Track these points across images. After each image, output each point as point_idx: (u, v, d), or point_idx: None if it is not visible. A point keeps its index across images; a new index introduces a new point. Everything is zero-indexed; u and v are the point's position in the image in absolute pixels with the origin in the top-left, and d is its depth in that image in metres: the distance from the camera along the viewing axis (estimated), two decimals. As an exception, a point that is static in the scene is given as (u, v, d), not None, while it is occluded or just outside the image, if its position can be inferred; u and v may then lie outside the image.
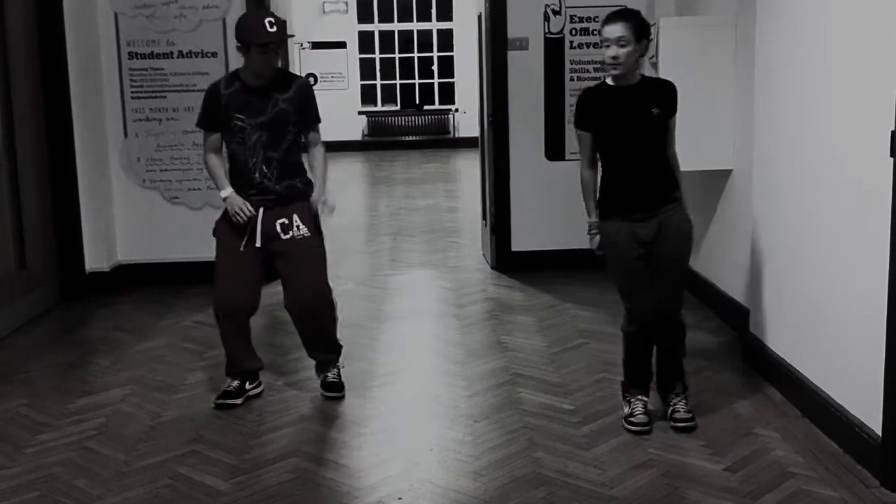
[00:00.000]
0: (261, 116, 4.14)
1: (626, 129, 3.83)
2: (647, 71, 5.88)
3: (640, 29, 3.77)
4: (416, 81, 17.86)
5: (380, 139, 17.08)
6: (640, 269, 3.89)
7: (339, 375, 4.49)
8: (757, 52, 4.60)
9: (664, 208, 3.88)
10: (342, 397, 4.41)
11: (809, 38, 4.00)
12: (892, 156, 3.28)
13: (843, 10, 3.70)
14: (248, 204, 4.16)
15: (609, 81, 3.88)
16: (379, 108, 17.68)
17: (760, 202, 4.59)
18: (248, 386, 4.43)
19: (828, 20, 3.82)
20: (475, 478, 3.59)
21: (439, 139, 17.16)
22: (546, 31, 6.66)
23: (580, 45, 6.67)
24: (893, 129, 3.26)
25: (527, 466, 3.65)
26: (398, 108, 17.70)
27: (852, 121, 3.63)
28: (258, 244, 4.22)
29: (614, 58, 3.73)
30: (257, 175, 4.19)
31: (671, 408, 4.00)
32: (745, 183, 5.03)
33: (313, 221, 4.30)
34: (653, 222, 3.86)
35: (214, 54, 6.56)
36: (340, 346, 4.56)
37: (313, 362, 4.54)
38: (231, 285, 4.29)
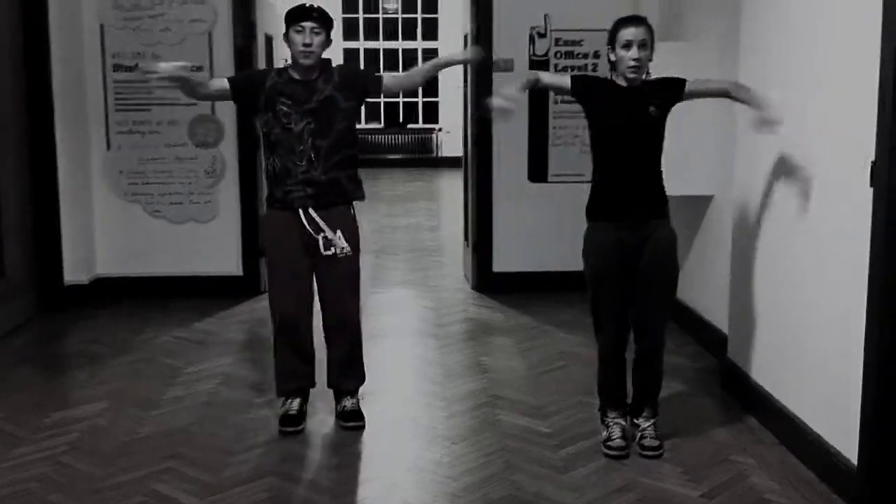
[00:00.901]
0: (307, 104, 4.01)
1: (627, 129, 3.77)
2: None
3: (653, 33, 3.76)
4: (401, 100, 17.90)
5: (363, 157, 17.01)
6: (621, 282, 3.83)
7: (358, 404, 4.34)
8: (739, 77, 4.64)
9: (653, 221, 3.84)
10: (363, 427, 4.26)
11: (790, 64, 4.05)
12: (871, 185, 3.32)
13: (824, 38, 3.74)
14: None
15: (619, 81, 3.79)
16: (363, 125, 17.71)
17: (740, 229, 4.63)
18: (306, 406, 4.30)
19: (809, 48, 3.87)
20: (452, 499, 3.58)
21: (422, 158, 17.20)
22: (531, 52, 6.70)
23: (565, 68, 6.71)
24: (873, 158, 3.30)
25: (504, 489, 3.65)
26: (382, 126, 17.74)
27: (832, 149, 3.67)
28: (324, 251, 4.07)
29: (637, 60, 3.67)
30: (304, 163, 4.02)
31: (640, 433, 4.00)
32: (725, 209, 5.07)
33: (357, 234, 4.20)
34: (641, 233, 3.80)
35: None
36: (365, 375, 4.43)
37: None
38: (288, 297, 4.16)
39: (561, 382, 4.87)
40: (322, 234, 4.07)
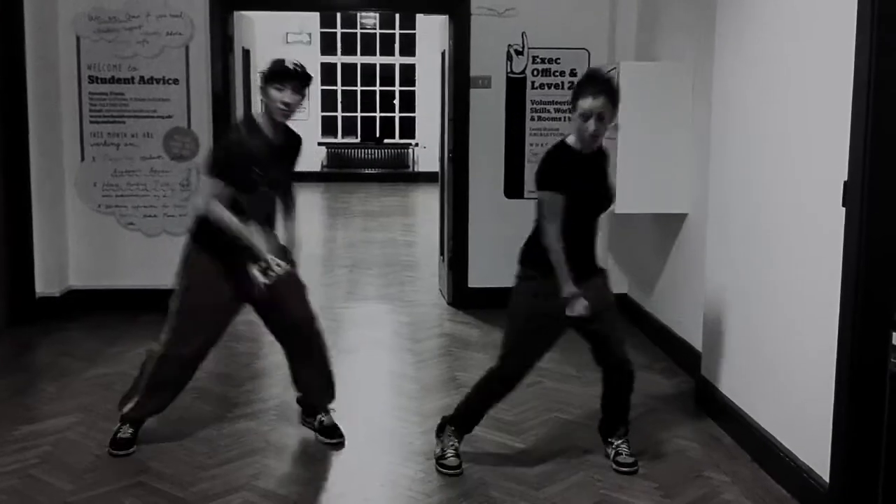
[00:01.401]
0: (277, 174, 4.03)
1: (597, 195, 3.78)
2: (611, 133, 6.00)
3: (616, 97, 3.66)
4: (377, 115, 17.92)
5: (339, 171, 17.10)
6: (558, 334, 3.89)
7: (332, 418, 4.32)
8: (713, 97, 4.69)
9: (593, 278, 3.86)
10: (341, 442, 4.24)
11: (765, 84, 4.09)
12: (843, 205, 3.36)
13: (797, 59, 3.79)
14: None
15: (572, 144, 3.72)
16: (339, 139, 17.70)
17: (714, 247, 4.66)
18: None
19: (783, 68, 3.92)
20: (426, 515, 3.57)
21: (398, 173, 17.22)
22: (508, 70, 6.74)
23: (541, 86, 6.76)
24: (846, 179, 3.34)
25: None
26: (358, 140, 17.74)
27: (805, 169, 3.71)
28: (265, 284, 3.95)
29: (594, 132, 3.60)
30: (265, 228, 4.05)
31: (614, 450, 4.01)
32: (699, 227, 5.11)
33: (285, 256, 4.10)
34: (589, 283, 3.79)
35: (176, 81, 6.54)
36: (334, 392, 4.38)
37: (266, 394, 4.48)
38: (203, 338, 4.15)
39: (535, 399, 4.87)
40: (255, 266, 3.95)
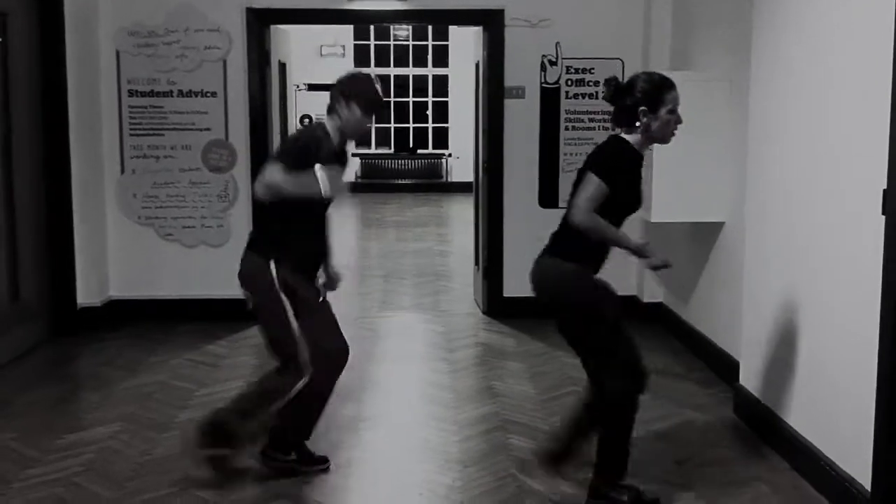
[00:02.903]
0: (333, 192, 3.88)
1: (635, 198, 3.67)
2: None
3: None
4: (411, 125, 17.99)
5: (373, 181, 17.16)
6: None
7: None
8: (751, 106, 4.68)
9: None
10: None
11: (803, 93, 4.08)
12: (883, 213, 3.34)
13: (836, 68, 3.77)
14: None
15: (637, 147, 3.60)
16: (373, 150, 17.78)
17: (753, 255, 4.64)
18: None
19: (821, 77, 3.90)
20: (465, 524, 3.58)
21: (432, 183, 17.25)
22: (542, 80, 6.76)
23: (575, 96, 6.77)
24: (885, 187, 3.32)
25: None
26: (392, 151, 17.82)
27: (844, 178, 3.69)
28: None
29: (679, 125, 3.59)
30: (322, 251, 4.07)
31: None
32: (737, 236, 5.09)
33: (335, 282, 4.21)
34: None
35: (214, 94, 6.62)
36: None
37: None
38: (339, 336, 4.03)
39: (571, 408, 4.86)
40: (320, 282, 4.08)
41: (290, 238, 3.88)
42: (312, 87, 16.10)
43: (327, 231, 4.10)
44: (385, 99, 4.06)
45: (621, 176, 3.53)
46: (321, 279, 4.10)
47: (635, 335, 3.67)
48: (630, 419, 3.63)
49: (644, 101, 3.52)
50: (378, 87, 3.89)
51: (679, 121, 3.58)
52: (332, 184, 3.68)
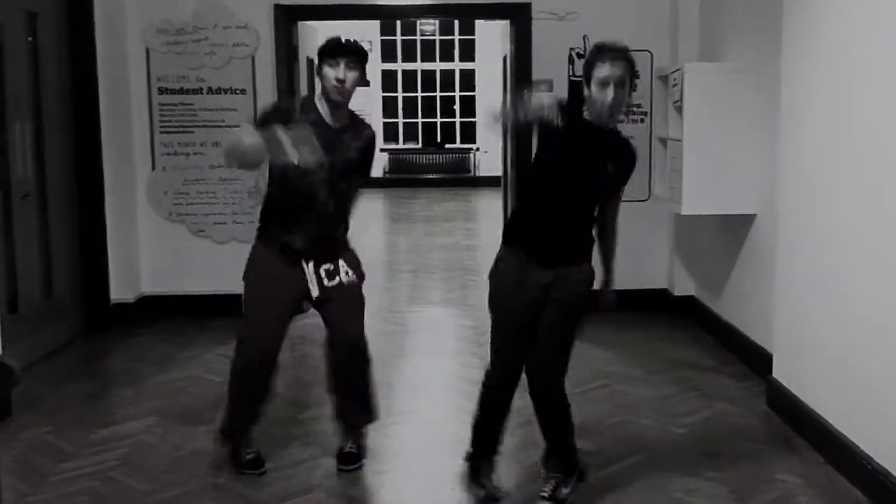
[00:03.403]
0: (332, 155, 3.78)
1: (582, 172, 3.40)
2: (672, 116, 5.95)
3: (634, 66, 3.40)
4: (438, 120, 18.00)
5: (400, 176, 17.19)
6: (525, 316, 3.51)
7: (358, 446, 4.16)
8: (781, 96, 4.63)
9: (570, 267, 3.50)
10: (359, 468, 4.08)
11: (834, 82, 4.04)
12: (919, 204, 3.30)
13: (869, 56, 3.73)
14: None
15: (587, 116, 3.40)
16: (400, 145, 17.82)
17: (785, 247, 4.60)
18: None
19: (854, 65, 3.86)
20: (497, 517, 3.58)
21: (459, 178, 17.25)
22: (570, 73, 6.73)
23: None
24: (921, 177, 3.28)
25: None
26: (420, 146, 17.84)
27: (878, 168, 3.65)
28: (315, 293, 3.91)
29: (614, 104, 3.28)
30: (313, 219, 3.86)
31: (541, 490, 3.69)
32: (769, 228, 5.04)
33: (358, 268, 4.05)
34: (550, 272, 3.46)
35: (243, 91, 6.66)
36: (373, 413, 4.22)
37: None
38: (268, 335, 3.98)
39: (603, 402, 4.86)
40: (324, 267, 3.93)
41: (267, 212, 3.98)
42: (340, 83, 16.21)
43: (319, 209, 3.86)
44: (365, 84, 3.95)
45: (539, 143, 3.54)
46: (324, 268, 3.93)
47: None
48: (483, 407, 3.75)
49: (583, 73, 3.40)
50: (332, 38, 3.82)
51: (607, 98, 3.28)
52: (298, 146, 3.48)
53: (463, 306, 7.31)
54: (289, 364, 5.63)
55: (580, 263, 3.51)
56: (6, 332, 4.71)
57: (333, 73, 3.76)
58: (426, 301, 7.56)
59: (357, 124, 3.98)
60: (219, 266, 6.79)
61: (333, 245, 3.97)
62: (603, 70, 3.28)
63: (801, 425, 4.34)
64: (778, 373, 4.66)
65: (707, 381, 5.21)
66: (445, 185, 17.02)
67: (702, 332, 6.20)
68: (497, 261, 3.60)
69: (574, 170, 3.40)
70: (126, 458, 4.19)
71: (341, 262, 3.97)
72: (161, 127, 6.71)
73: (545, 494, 3.65)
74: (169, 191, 6.75)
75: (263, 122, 3.71)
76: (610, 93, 3.27)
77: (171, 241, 6.79)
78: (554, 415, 3.68)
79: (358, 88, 3.92)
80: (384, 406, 4.75)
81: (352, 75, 3.78)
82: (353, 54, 3.80)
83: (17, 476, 3.95)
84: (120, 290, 6.58)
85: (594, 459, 4.09)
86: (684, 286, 6.68)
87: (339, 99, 3.82)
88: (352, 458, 4.09)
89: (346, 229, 4.06)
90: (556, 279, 3.46)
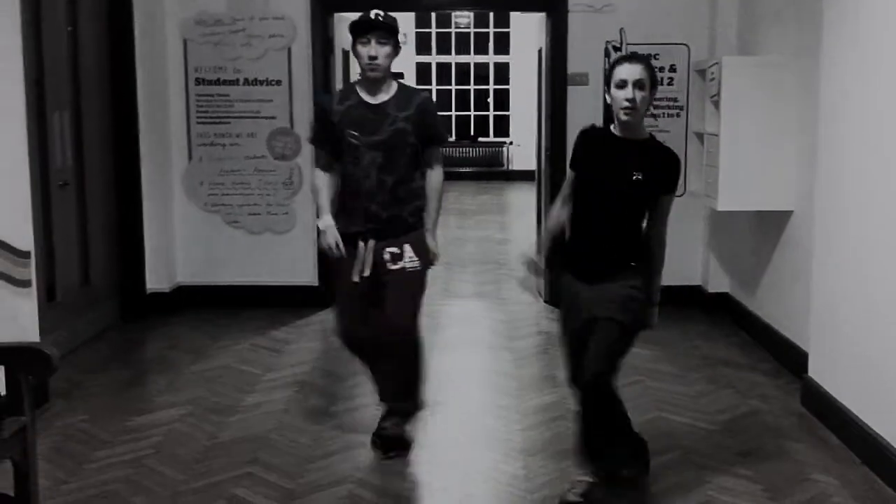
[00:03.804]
0: (376, 135, 3.83)
1: (607, 184, 3.46)
2: (709, 110, 5.90)
3: (655, 78, 3.46)
4: (472, 113, 17.98)
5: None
6: (575, 342, 3.56)
7: (401, 428, 4.14)
8: (820, 91, 4.57)
9: (612, 282, 3.47)
10: (394, 457, 4.07)
11: (875, 76, 3.97)
12: (962, 202, 3.24)
13: (913, 55, 3.67)
14: (340, 242, 3.90)
15: (614, 130, 3.50)
16: (434, 138, 17.83)
17: (823, 244, 4.54)
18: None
19: (894, 58, 3.80)
20: (528, 512, 3.58)
21: (493, 171, 17.25)
22: (606, 66, 6.68)
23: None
24: (964, 175, 3.22)
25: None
26: (453, 139, 17.82)
27: (921, 165, 3.59)
28: (366, 273, 3.92)
29: (630, 100, 3.34)
30: (367, 199, 3.88)
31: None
32: (806, 225, 4.98)
33: (425, 254, 4.01)
34: (594, 288, 3.49)
35: (279, 82, 6.68)
36: (417, 402, 4.22)
37: (368, 388, 4.50)
38: (348, 320, 4.08)
39: (636, 397, 4.82)
40: (390, 250, 3.94)
41: (336, 198, 4.04)
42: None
43: (371, 189, 3.87)
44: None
45: (575, 158, 3.62)
46: (389, 251, 3.93)
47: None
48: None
49: (605, 81, 3.52)
50: (361, 15, 3.86)
51: (625, 97, 3.35)
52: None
53: (496, 300, 7.30)
54: (320, 355, 5.67)
55: (622, 279, 3.48)
56: (44, 320, 4.76)
57: (366, 50, 3.81)
58: (459, 294, 7.56)
59: (405, 94, 3.94)
60: (253, 257, 6.83)
61: (397, 227, 3.93)
62: (621, 72, 3.37)
63: (836, 424, 4.29)
64: (813, 371, 4.61)
65: (741, 378, 5.17)
66: (479, 178, 17.01)
67: (736, 329, 6.15)
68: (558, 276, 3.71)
69: (599, 183, 3.47)
70: (160, 446, 4.22)
71: (406, 247, 3.94)
72: (198, 117, 6.75)
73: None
74: (205, 181, 6.79)
75: (316, 137, 4.04)
76: (628, 93, 3.35)
77: (207, 231, 6.84)
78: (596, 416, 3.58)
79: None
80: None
81: (384, 50, 3.82)
82: (383, 28, 3.83)
83: (53, 463, 3.99)
84: (156, 280, 6.64)
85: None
86: (719, 283, 6.62)
87: (375, 75, 3.86)
88: (387, 444, 4.10)
89: (418, 208, 3.98)
90: (599, 294, 3.47)
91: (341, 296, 4.12)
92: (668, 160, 3.49)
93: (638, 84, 3.35)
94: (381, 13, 3.87)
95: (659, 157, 3.48)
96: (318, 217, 4.09)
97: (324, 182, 4.06)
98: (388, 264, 3.94)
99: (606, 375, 3.48)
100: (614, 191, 3.44)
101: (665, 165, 3.47)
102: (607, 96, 3.45)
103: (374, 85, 3.89)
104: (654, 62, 6.62)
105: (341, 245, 3.92)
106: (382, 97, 3.91)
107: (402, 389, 4.18)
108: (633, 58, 3.47)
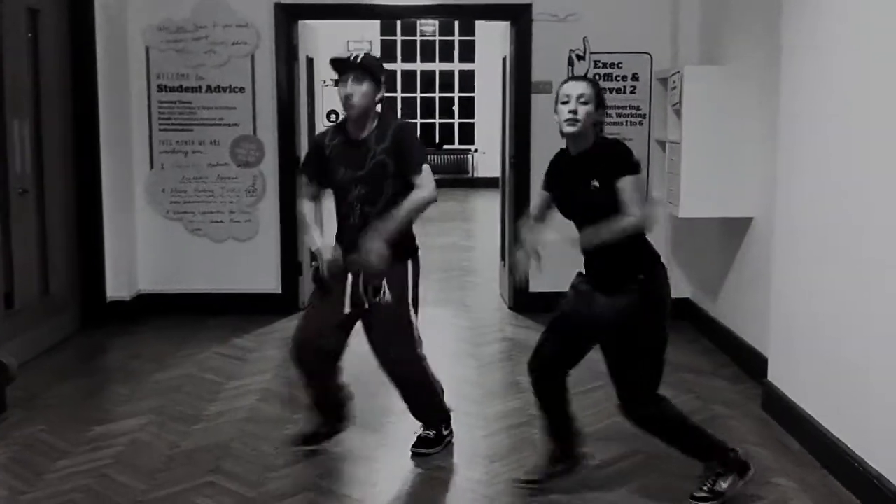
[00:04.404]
0: (359, 170, 3.88)
1: (569, 199, 3.61)
2: (671, 119, 5.96)
3: (601, 97, 3.55)
4: (437, 121, 18.00)
5: (399, 177, 17.18)
6: (560, 325, 3.69)
7: (437, 433, 4.24)
8: (781, 99, 4.63)
9: (605, 296, 3.53)
10: (426, 454, 4.16)
11: (834, 85, 4.04)
12: (916, 209, 3.30)
13: (869, 60, 3.73)
14: (337, 262, 3.92)
15: (569, 148, 3.61)
16: (398, 146, 17.81)
17: (782, 250, 4.60)
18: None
19: (854, 67, 3.86)
20: (491, 518, 3.58)
21: (458, 178, 17.26)
22: (570, 75, 6.73)
23: (603, 90, 6.71)
24: (918, 182, 3.28)
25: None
26: (418, 146, 17.83)
27: (879, 172, 3.65)
28: (346, 310, 3.95)
29: (573, 112, 3.45)
30: (354, 229, 3.90)
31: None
32: (766, 231, 5.05)
33: (403, 287, 4.02)
34: (598, 294, 3.56)
35: (242, 90, 6.66)
36: (440, 417, 4.27)
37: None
38: (307, 324, 4.05)
39: (598, 402, 4.85)
40: (371, 285, 3.94)
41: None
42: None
43: (356, 223, 3.91)
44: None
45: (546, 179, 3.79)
46: (372, 284, 3.95)
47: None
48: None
49: (554, 102, 3.62)
50: (337, 57, 3.91)
51: (564, 111, 3.48)
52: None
53: (460, 307, 7.31)
54: (283, 363, 5.64)
55: (614, 292, 3.50)
56: (2, 329, 4.71)
57: (343, 90, 3.86)
58: (423, 301, 7.53)
59: (383, 125, 3.95)
60: (216, 265, 6.80)
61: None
62: (566, 88, 3.53)
63: (796, 429, 4.34)
64: (773, 376, 4.67)
65: (703, 383, 5.22)
66: (443, 185, 16.94)
67: (698, 335, 6.21)
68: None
69: (567, 202, 3.63)
70: (121, 455, 4.18)
71: (384, 282, 3.94)
72: (160, 125, 6.71)
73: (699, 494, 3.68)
74: (167, 189, 6.75)
75: (307, 167, 4.15)
76: (571, 106, 3.47)
77: (169, 239, 6.79)
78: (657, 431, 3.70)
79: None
80: (381, 406, 4.76)
81: (360, 89, 3.83)
82: (358, 68, 3.85)
83: (11, 473, 3.94)
84: (117, 288, 6.58)
85: (589, 459, 4.09)
86: (681, 289, 6.67)
87: (351, 114, 3.90)
88: (420, 442, 4.22)
89: (399, 240, 3.90)
90: (604, 299, 3.53)
91: (310, 307, 4.13)
92: (614, 149, 3.53)
93: (580, 98, 3.47)
94: (361, 53, 3.91)
95: (605, 153, 3.53)
96: (310, 242, 4.11)
97: (309, 210, 4.11)
98: (370, 297, 3.96)
99: (653, 405, 3.61)
100: (580, 203, 3.55)
101: (611, 157, 3.51)
102: (555, 116, 3.55)
103: (356, 122, 3.94)
104: (616, 70, 6.71)
105: (328, 271, 3.92)
106: (365, 133, 3.94)
107: (418, 411, 4.26)
108: (578, 77, 3.67)
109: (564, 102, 3.49)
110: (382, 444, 4.34)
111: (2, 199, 5.24)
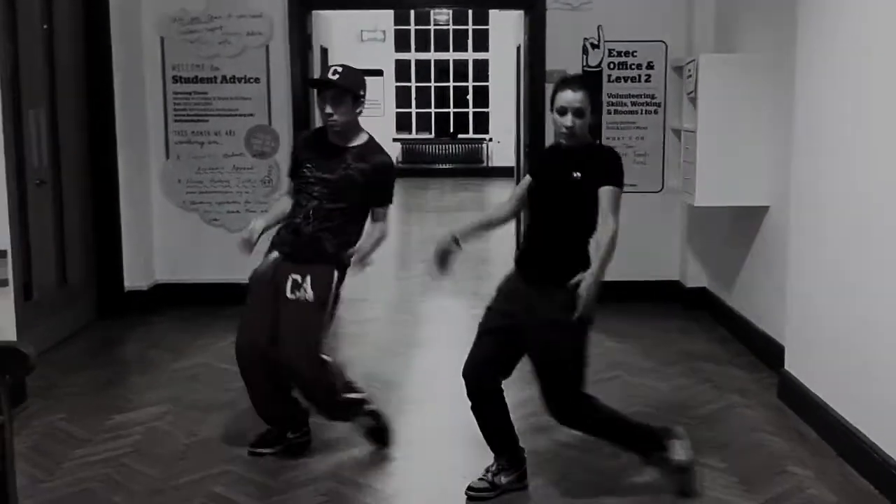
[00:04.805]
0: (328, 173, 3.93)
1: (549, 184, 3.62)
2: (686, 107, 5.94)
3: (595, 101, 3.60)
4: (451, 110, 17.97)
5: (413, 166, 17.16)
6: (495, 328, 3.70)
7: (299, 438, 4.13)
8: (796, 87, 4.61)
9: (553, 287, 3.50)
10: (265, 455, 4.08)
11: (850, 72, 4.02)
12: (933, 196, 3.28)
13: (884, 47, 3.71)
14: (253, 238, 3.96)
15: (562, 142, 3.61)
16: (413, 135, 17.80)
17: (798, 239, 4.59)
18: (289, 434, 4.12)
19: (869, 54, 3.84)
20: (507, 506, 3.59)
21: (472, 168, 17.23)
22: (584, 63, 6.71)
23: (618, 79, 6.71)
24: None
25: (559, 497, 3.65)
26: (432, 136, 17.82)
27: (894, 160, 3.63)
28: (289, 293, 3.92)
29: (568, 128, 3.48)
30: (300, 218, 3.94)
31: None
32: (782, 220, 5.03)
33: (326, 291, 3.93)
34: (532, 287, 3.58)
35: (257, 80, 6.67)
36: (349, 415, 4.14)
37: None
38: (247, 325, 4.06)
39: (615, 392, 4.84)
40: (293, 276, 3.91)
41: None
42: (353, 73, 16.21)
43: (304, 215, 3.93)
44: (367, 96, 4.08)
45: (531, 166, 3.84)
46: (293, 276, 3.93)
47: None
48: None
49: (550, 97, 3.58)
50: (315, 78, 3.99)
51: (564, 124, 3.49)
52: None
53: (475, 297, 7.30)
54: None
55: (563, 284, 3.45)
56: (21, 319, 4.74)
57: (322, 107, 3.93)
58: (438, 291, 7.56)
59: (369, 149, 4.02)
60: (232, 255, 6.75)
61: (314, 250, 3.92)
62: (563, 98, 3.50)
63: (812, 417, 4.34)
64: (790, 365, 4.66)
65: (719, 372, 5.21)
66: (458, 175, 16.99)
67: (714, 324, 6.20)
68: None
69: (545, 185, 3.64)
70: (139, 444, 4.22)
71: (308, 278, 3.90)
72: (175, 115, 6.73)
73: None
74: (182, 179, 6.77)
75: (291, 164, 4.18)
76: (567, 120, 3.49)
77: (185, 229, 6.81)
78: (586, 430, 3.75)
79: (371, 79, 3.98)
80: (397, 396, 4.78)
81: (340, 108, 3.91)
82: (335, 87, 3.90)
83: (31, 462, 3.98)
84: (134, 278, 6.61)
85: (606, 448, 4.09)
86: (697, 278, 6.67)
87: (334, 130, 3.97)
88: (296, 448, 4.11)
89: (345, 243, 3.96)
90: (538, 296, 3.54)
91: (247, 308, 4.11)
92: (606, 156, 3.60)
93: (577, 112, 3.48)
94: (340, 69, 3.94)
95: (597, 155, 3.60)
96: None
97: (285, 205, 4.12)
98: (287, 292, 3.92)
99: (578, 402, 3.62)
100: (556, 190, 3.59)
101: (602, 161, 3.56)
102: (550, 114, 3.58)
103: (338, 135, 3.99)
104: (630, 59, 6.68)
105: (252, 239, 3.96)
106: (347, 143, 4.00)
107: (318, 406, 4.11)
108: (575, 84, 3.55)
109: (561, 113, 3.51)
110: (397, 434, 4.34)
111: (20, 190, 5.27)
